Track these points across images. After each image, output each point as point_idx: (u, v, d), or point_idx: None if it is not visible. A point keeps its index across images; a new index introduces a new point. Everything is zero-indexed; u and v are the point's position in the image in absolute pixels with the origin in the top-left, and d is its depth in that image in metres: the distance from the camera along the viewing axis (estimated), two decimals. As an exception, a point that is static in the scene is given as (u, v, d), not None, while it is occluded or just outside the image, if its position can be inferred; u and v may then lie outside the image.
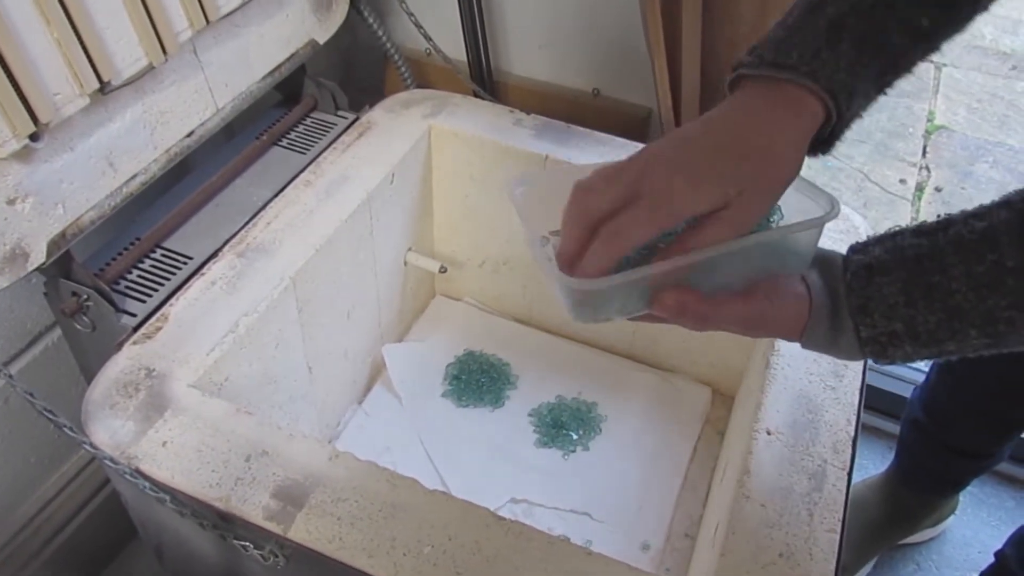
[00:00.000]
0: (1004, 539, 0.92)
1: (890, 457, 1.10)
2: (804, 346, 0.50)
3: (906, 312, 0.45)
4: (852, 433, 0.65)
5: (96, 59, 0.66)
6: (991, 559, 0.93)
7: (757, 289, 0.49)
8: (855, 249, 0.48)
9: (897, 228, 0.48)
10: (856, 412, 0.67)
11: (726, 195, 0.45)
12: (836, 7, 0.49)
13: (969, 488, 1.11)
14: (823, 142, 0.50)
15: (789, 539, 0.58)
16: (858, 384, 0.69)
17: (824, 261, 0.50)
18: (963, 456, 0.99)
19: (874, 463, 1.20)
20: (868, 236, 0.49)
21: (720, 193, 0.45)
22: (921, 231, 0.46)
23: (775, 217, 0.52)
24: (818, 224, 0.49)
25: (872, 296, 0.46)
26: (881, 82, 0.50)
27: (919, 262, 0.45)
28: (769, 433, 0.65)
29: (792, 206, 0.52)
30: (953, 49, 2.24)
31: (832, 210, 0.49)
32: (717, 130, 0.47)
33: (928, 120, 2.03)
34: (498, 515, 0.57)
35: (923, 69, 2.16)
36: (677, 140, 0.47)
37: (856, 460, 0.64)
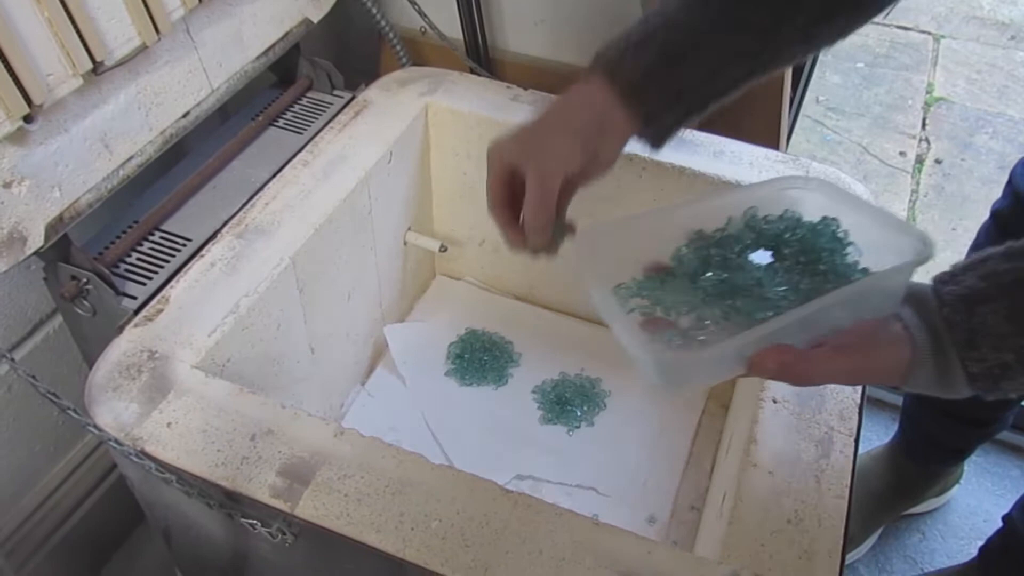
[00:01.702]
0: (1009, 507, 0.92)
1: (894, 429, 1.11)
2: (908, 388, 0.47)
3: (1017, 341, 0.42)
4: (858, 400, 0.65)
5: (88, 39, 0.65)
6: (996, 527, 0.93)
7: (854, 338, 0.47)
8: (943, 280, 0.46)
9: (986, 253, 0.45)
10: (862, 379, 0.67)
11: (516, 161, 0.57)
12: (658, 18, 0.56)
13: (973, 458, 1.12)
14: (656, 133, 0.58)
15: (797, 506, 0.58)
16: (863, 352, 0.69)
17: (914, 296, 0.47)
18: (965, 424, 0.99)
19: (878, 435, 1.21)
20: (952, 266, 0.46)
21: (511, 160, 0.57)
22: (1012, 254, 0.44)
23: (850, 251, 0.51)
24: (911, 268, 0.47)
25: (977, 329, 0.43)
26: (705, 90, 0.56)
27: (1021, 286, 0.43)
28: (775, 402, 0.65)
29: (882, 244, 0.50)
30: (951, 20, 2.23)
31: (924, 249, 0.47)
32: (536, 115, 0.56)
33: (927, 92, 2.02)
34: (505, 488, 0.57)
35: (921, 41, 2.15)
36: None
37: (861, 431, 0.64)
